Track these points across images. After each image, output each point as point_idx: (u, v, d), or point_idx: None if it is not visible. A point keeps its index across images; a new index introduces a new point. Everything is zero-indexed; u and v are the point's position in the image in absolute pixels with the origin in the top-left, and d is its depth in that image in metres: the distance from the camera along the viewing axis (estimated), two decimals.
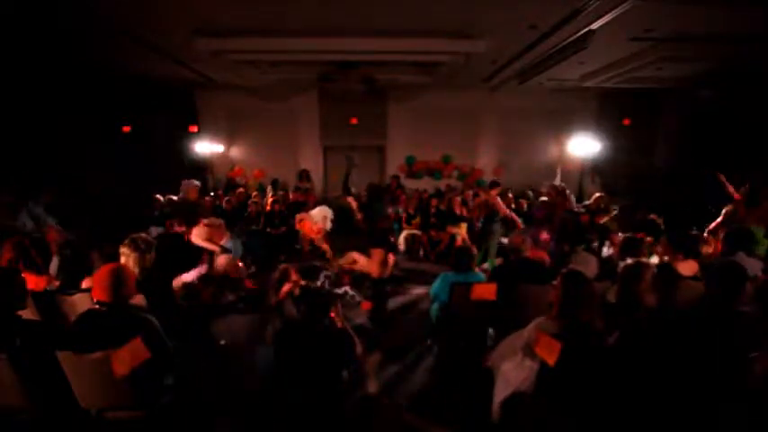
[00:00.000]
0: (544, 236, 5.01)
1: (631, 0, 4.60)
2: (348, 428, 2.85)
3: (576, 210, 6.16)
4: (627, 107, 9.96)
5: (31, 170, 6.58)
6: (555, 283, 2.43)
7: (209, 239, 4.80)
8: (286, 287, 3.46)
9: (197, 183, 5.64)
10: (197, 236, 4.77)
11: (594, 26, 5.41)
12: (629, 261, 2.69)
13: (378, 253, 5.06)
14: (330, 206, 7.15)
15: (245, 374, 3.60)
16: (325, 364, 2.50)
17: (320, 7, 5.12)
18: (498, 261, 6.05)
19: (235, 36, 6.18)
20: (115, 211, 6.84)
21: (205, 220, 4.96)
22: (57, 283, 3.29)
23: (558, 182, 7.52)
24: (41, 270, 3.07)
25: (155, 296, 2.90)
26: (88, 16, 5.37)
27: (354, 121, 10.52)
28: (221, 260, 4.64)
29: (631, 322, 2.44)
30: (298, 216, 6.85)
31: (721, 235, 3.65)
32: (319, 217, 6.74)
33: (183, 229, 4.95)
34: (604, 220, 5.55)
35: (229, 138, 10.90)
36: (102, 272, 2.43)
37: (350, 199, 7.75)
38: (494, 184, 6.71)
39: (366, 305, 5.09)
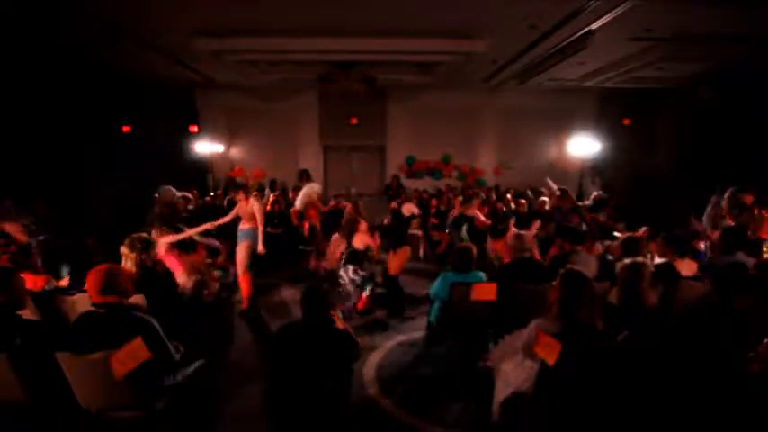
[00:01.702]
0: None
1: (631, 0, 4.60)
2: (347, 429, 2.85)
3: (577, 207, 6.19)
4: (627, 107, 9.96)
5: (31, 171, 6.58)
6: (554, 283, 2.43)
7: None
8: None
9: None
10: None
11: (594, 26, 5.41)
12: (627, 260, 2.69)
13: (405, 251, 5.28)
14: None
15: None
16: (325, 364, 2.50)
17: (320, 7, 5.13)
18: None
19: (235, 36, 6.18)
20: (115, 212, 6.84)
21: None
22: (58, 283, 3.30)
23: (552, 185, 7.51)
24: (38, 270, 3.08)
25: (155, 296, 2.90)
26: (88, 16, 5.37)
27: (354, 121, 10.53)
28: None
29: (640, 322, 2.43)
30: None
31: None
32: (310, 193, 6.71)
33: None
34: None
35: (229, 138, 10.90)
36: (93, 274, 2.41)
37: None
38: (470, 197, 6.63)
39: (360, 305, 5.09)
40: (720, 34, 5.75)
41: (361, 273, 4.90)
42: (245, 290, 5.12)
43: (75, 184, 7.28)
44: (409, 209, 6.01)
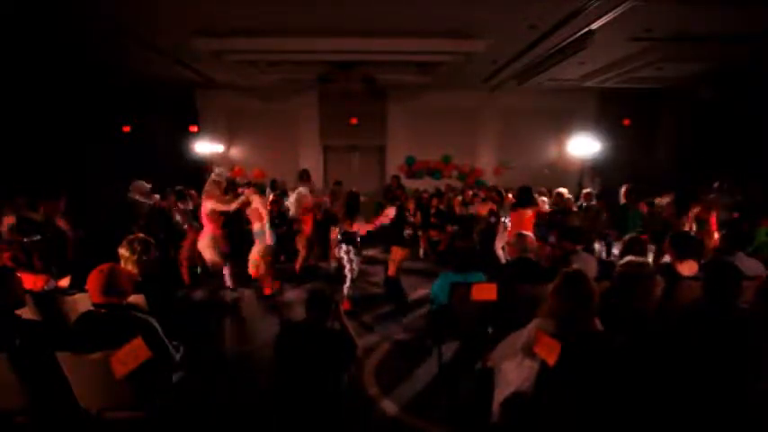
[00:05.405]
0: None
1: (631, 0, 4.60)
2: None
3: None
4: (627, 107, 9.95)
5: (32, 170, 6.57)
6: (553, 283, 2.42)
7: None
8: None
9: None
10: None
11: (594, 26, 5.41)
12: (626, 260, 2.69)
13: (400, 252, 5.32)
14: None
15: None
16: (325, 365, 2.50)
17: (320, 7, 5.13)
18: None
19: (235, 36, 6.18)
20: (115, 212, 6.83)
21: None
22: (58, 283, 3.29)
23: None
24: (37, 270, 3.08)
25: (155, 296, 2.90)
26: (88, 16, 5.38)
27: (354, 121, 10.53)
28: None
29: (640, 322, 2.43)
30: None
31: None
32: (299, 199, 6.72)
33: None
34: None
35: (229, 138, 10.91)
36: (94, 274, 2.41)
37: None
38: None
39: (346, 305, 5.04)
40: (720, 34, 5.75)
41: (353, 255, 5.07)
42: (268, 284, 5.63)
43: (75, 184, 7.27)
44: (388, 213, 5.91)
